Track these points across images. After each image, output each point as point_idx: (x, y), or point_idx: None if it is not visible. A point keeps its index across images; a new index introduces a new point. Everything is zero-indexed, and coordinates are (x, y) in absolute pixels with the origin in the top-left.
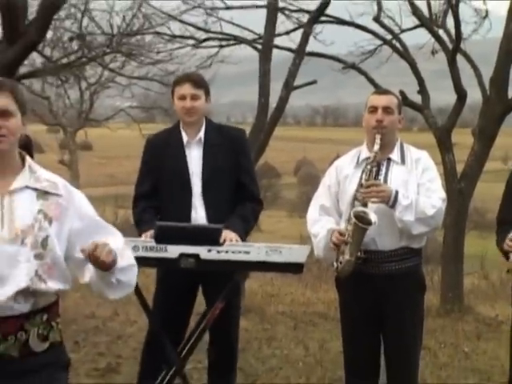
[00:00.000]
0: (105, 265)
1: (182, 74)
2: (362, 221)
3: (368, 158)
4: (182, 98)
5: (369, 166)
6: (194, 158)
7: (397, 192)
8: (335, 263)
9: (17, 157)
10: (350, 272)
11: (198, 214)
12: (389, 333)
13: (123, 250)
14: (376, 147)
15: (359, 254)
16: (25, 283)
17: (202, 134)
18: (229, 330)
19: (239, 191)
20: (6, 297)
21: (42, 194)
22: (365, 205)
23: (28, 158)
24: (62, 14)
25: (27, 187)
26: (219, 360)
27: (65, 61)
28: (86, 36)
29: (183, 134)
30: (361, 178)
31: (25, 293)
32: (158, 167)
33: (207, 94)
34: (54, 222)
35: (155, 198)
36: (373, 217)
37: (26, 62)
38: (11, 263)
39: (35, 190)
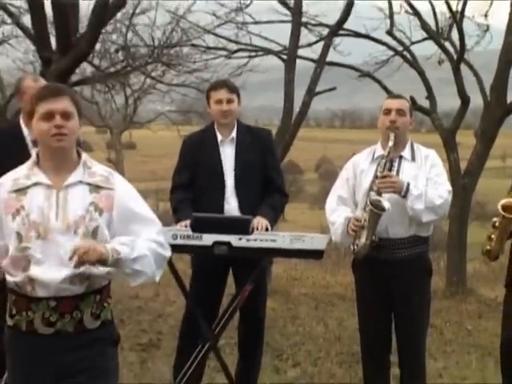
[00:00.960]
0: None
1: (217, 80)
2: (377, 207)
3: (382, 156)
4: (219, 102)
5: (383, 160)
6: (227, 155)
7: (408, 183)
8: (352, 246)
9: (74, 154)
10: (366, 254)
11: (231, 206)
12: (399, 312)
13: (135, 243)
14: (390, 143)
15: (374, 238)
16: (79, 268)
17: (234, 133)
18: (257, 310)
19: (267, 185)
20: (62, 280)
21: (95, 187)
22: (379, 194)
23: (84, 155)
24: (109, 28)
25: (81, 182)
26: (248, 336)
27: (111, 70)
28: (130, 48)
29: (217, 133)
30: (376, 171)
31: (79, 276)
32: (195, 163)
33: (239, 98)
34: (104, 213)
35: (191, 189)
36: (386, 204)
37: (77, 71)
38: (66, 250)
39: (88, 184)
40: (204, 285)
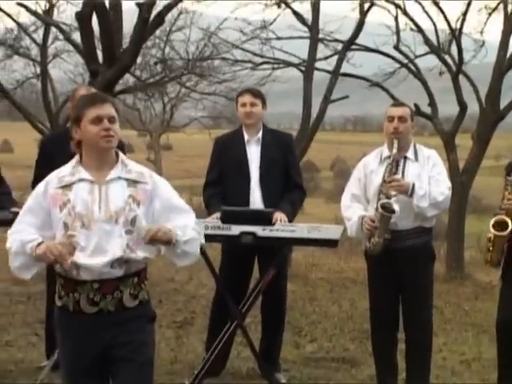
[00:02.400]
0: (163, 242)
1: (244, 88)
2: (387, 211)
3: (389, 157)
4: (244, 105)
5: (389, 166)
6: (253, 153)
7: (413, 184)
8: (367, 244)
9: (113, 154)
10: (380, 251)
11: (255, 198)
12: (407, 293)
13: (186, 227)
14: (394, 150)
15: (386, 236)
16: (119, 253)
17: (260, 134)
18: (278, 292)
19: (287, 182)
20: (104, 264)
21: (132, 182)
22: (388, 197)
23: (121, 154)
24: (149, 43)
25: (119, 178)
26: (271, 316)
27: (151, 80)
28: (167, 61)
29: (245, 134)
30: (384, 176)
31: (119, 261)
32: (224, 160)
33: (263, 103)
34: (141, 205)
35: (220, 185)
36: (396, 207)
37: (120, 82)
38: (108, 238)
39: (126, 179)
40: (232, 270)
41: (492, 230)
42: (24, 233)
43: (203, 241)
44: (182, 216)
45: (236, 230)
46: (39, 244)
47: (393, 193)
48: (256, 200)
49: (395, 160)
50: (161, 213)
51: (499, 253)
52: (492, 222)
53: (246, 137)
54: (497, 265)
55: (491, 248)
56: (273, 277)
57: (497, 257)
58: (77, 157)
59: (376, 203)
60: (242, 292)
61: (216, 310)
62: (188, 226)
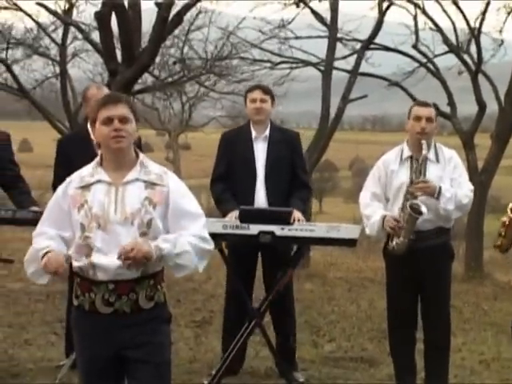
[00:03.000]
0: (140, 260)
1: (253, 84)
2: (415, 211)
3: (410, 157)
4: (253, 101)
5: (417, 167)
6: (260, 151)
7: (440, 187)
8: (391, 243)
9: (132, 154)
10: (404, 251)
11: (260, 195)
12: (425, 292)
13: (176, 239)
14: (424, 151)
15: (411, 236)
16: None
17: (267, 132)
18: (286, 292)
19: (293, 179)
20: (119, 265)
21: (150, 184)
22: (415, 198)
23: (141, 155)
24: (167, 43)
25: (137, 179)
26: (280, 315)
27: (170, 80)
28: (186, 60)
29: (252, 130)
30: (411, 177)
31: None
32: (231, 156)
33: (273, 100)
34: (157, 207)
35: (228, 180)
36: (424, 209)
37: (139, 81)
38: (123, 239)
39: (144, 181)
40: (238, 269)
41: (509, 212)
42: (40, 238)
43: (210, 247)
44: (191, 222)
45: (255, 229)
46: (45, 254)
47: (420, 194)
48: (260, 197)
49: (423, 162)
50: (172, 217)
51: (510, 239)
52: (510, 205)
53: (253, 134)
54: (505, 251)
55: (503, 233)
56: (291, 277)
57: (507, 243)
58: (98, 157)
59: (402, 203)
60: (250, 289)
61: (230, 310)
62: (180, 238)
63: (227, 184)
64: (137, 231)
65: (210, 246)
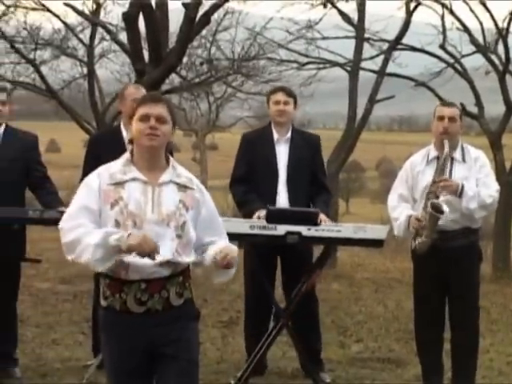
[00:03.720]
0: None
1: (276, 86)
2: (437, 211)
3: (437, 158)
4: (277, 103)
5: (440, 165)
6: (282, 153)
7: (463, 185)
8: (413, 243)
9: (163, 156)
10: (426, 250)
11: (281, 197)
12: (453, 293)
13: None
14: (446, 150)
15: (433, 235)
16: (169, 256)
17: (289, 134)
18: (310, 293)
19: (314, 182)
20: (154, 264)
21: (182, 187)
22: (437, 197)
23: (172, 158)
24: (195, 43)
25: (171, 181)
26: (305, 315)
27: (197, 80)
28: (213, 61)
29: (274, 133)
30: (434, 176)
31: (168, 263)
32: (252, 157)
33: (295, 102)
34: (189, 211)
35: (249, 181)
36: (445, 208)
37: (166, 81)
38: (159, 240)
39: (177, 184)
40: (259, 270)
41: None
42: (87, 227)
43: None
44: (219, 233)
45: (281, 229)
46: (125, 236)
47: (442, 193)
48: (282, 200)
49: (446, 160)
50: (202, 223)
51: None
52: None
53: (275, 136)
54: None
55: None
56: (318, 277)
57: None
58: (127, 154)
59: (424, 203)
60: (271, 291)
61: (252, 311)
62: (230, 245)
63: (248, 186)
64: (173, 233)
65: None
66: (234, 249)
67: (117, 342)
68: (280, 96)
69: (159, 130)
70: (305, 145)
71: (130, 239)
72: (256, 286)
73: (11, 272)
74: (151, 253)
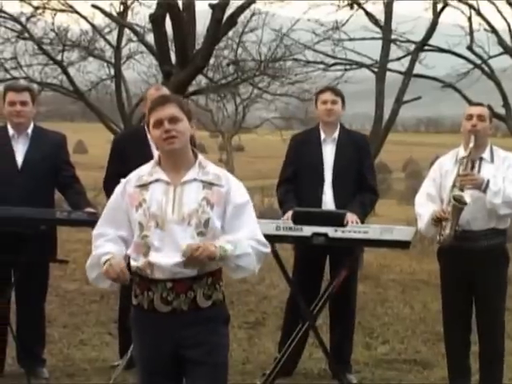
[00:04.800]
0: (203, 259)
1: (325, 86)
2: (459, 202)
3: (465, 157)
4: (325, 102)
5: (465, 160)
6: (328, 153)
7: (488, 180)
8: (438, 236)
9: (190, 154)
10: (450, 243)
11: (327, 198)
12: (480, 295)
13: (239, 241)
14: (471, 144)
15: (457, 228)
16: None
17: (336, 134)
18: (348, 294)
19: (361, 184)
20: (176, 263)
21: (208, 184)
22: (462, 190)
23: (200, 156)
24: (221, 44)
25: (195, 179)
26: (340, 317)
27: (223, 81)
28: (240, 62)
29: (321, 133)
30: (458, 169)
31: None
32: (299, 158)
33: (343, 102)
34: (215, 207)
35: (294, 182)
36: (468, 198)
37: (193, 83)
38: (180, 239)
39: (202, 181)
40: (305, 272)
41: None
42: (100, 240)
43: (267, 250)
44: (248, 225)
45: (308, 230)
46: (106, 261)
47: (467, 186)
48: (328, 200)
49: (471, 157)
50: (229, 219)
51: None
52: None
53: (322, 136)
54: None
55: None
56: (345, 278)
57: None
58: (156, 157)
59: (449, 196)
60: (315, 293)
61: (290, 311)
62: (241, 239)
63: (293, 186)
64: (194, 231)
65: (268, 249)
66: (209, 243)
67: (145, 340)
68: (328, 95)
69: (174, 131)
70: (351, 145)
71: (104, 265)
72: (301, 288)
73: (40, 273)
74: (117, 278)
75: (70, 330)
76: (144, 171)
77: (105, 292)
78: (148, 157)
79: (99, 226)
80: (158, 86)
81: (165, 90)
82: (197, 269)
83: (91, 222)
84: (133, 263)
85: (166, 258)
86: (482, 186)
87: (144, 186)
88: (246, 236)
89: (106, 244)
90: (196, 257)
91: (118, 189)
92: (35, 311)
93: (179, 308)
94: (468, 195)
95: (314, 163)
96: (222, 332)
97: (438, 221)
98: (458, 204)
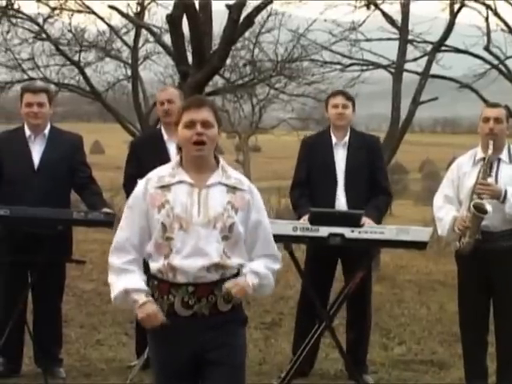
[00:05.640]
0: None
1: (335, 89)
2: (479, 210)
3: (483, 159)
4: (336, 106)
5: (484, 167)
6: (340, 157)
7: (506, 191)
8: (458, 243)
9: (213, 158)
10: (470, 250)
11: (340, 201)
12: (498, 296)
13: (262, 272)
14: (489, 151)
15: (477, 236)
16: (216, 259)
17: (347, 138)
18: (364, 294)
19: (374, 185)
20: (200, 267)
21: (231, 188)
22: (481, 198)
23: (222, 160)
24: (238, 45)
25: (220, 183)
26: (356, 317)
27: (240, 82)
28: (256, 62)
29: (333, 137)
30: (478, 174)
31: (216, 266)
32: (311, 162)
33: (354, 106)
34: (239, 212)
35: (308, 185)
36: (489, 208)
37: (210, 83)
38: (205, 242)
39: (226, 185)
40: (317, 272)
41: None
42: (123, 261)
43: (278, 266)
44: (266, 238)
45: (324, 231)
46: (137, 303)
47: (485, 196)
48: (341, 205)
49: (490, 161)
50: (253, 226)
51: None
52: None
53: (333, 140)
54: None
55: None
56: (361, 279)
57: None
58: (177, 158)
59: (468, 203)
60: (325, 294)
61: (302, 312)
62: (262, 268)
63: (306, 189)
64: (219, 235)
65: (278, 265)
66: (244, 283)
67: (164, 344)
68: (339, 99)
69: (205, 136)
70: (363, 147)
71: (139, 310)
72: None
73: (57, 273)
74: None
75: (87, 330)
76: (164, 172)
77: None
78: (164, 160)
79: (120, 237)
80: (164, 87)
81: (172, 90)
82: (219, 273)
83: (108, 222)
84: (152, 265)
85: (189, 261)
86: (500, 197)
87: (166, 187)
88: (265, 255)
89: (131, 272)
90: (234, 297)
91: (139, 189)
92: (52, 311)
93: (200, 312)
94: (488, 203)
95: (326, 167)
96: (240, 333)
97: (461, 231)
98: (479, 213)
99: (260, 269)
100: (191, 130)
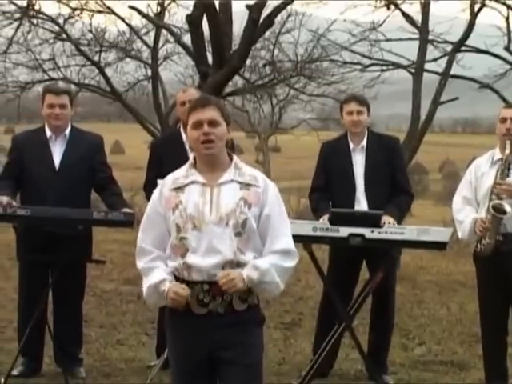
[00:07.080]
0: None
1: (349, 94)
2: (498, 211)
3: (501, 159)
4: (350, 113)
5: (501, 167)
6: (358, 162)
7: None
8: (478, 245)
9: (225, 156)
10: (490, 252)
11: (361, 206)
12: None
13: (265, 268)
14: (507, 151)
15: (497, 237)
16: (230, 256)
17: (364, 142)
18: (387, 295)
19: (395, 187)
20: (214, 265)
21: (245, 185)
22: (500, 198)
23: (235, 157)
24: (258, 45)
25: (232, 180)
26: (379, 318)
27: (260, 82)
28: (276, 63)
29: (350, 142)
30: (496, 177)
31: (230, 263)
32: (330, 167)
33: (368, 110)
34: (252, 207)
35: (327, 191)
36: (508, 208)
37: (230, 83)
38: (218, 240)
39: (239, 182)
40: (340, 272)
41: None
42: (146, 261)
43: (292, 264)
44: (280, 231)
45: (344, 231)
46: (165, 290)
47: (503, 196)
48: (362, 207)
49: (508, 162)
50: (262, 221)
51: None
52: None
53: (351, 145)
54: None
55: None
56: (381, 279)
57: None
58: (191, 159)
59: (487, 204)
60: (349, 294)
61: (324, 312)
62: (267, 265)
63: (325, 194)
64: (232, 232)
65: (295, 260)
66: (235, 275)
67: (180, 342)
68: (353, 106)
69: (213, 135)
70: (381, 150)
71: (168, 296)
72: (336, 289)
73: (77, 273)
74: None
75: (107, 330)
76: (179, 174)
77: (141, 292)
78: (185, 160)
79: (142, 240)
80: (185, 88)
81: (192, 91)
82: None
83: (128, 222)
84: (170, 264)
85: (203, 259)
86: None
87: (180, 189)
88: (277, 250)
89: (155, 268)
90: (225, 289)
91: (155, 193)
92: (72, 311)
93: (215, 310)
94: (508, 204)
95: (345, 172)
96: (256, 333)
97: (481, 232)
98: (498, 214)
99: (261, 264)
100: (199, 130)
